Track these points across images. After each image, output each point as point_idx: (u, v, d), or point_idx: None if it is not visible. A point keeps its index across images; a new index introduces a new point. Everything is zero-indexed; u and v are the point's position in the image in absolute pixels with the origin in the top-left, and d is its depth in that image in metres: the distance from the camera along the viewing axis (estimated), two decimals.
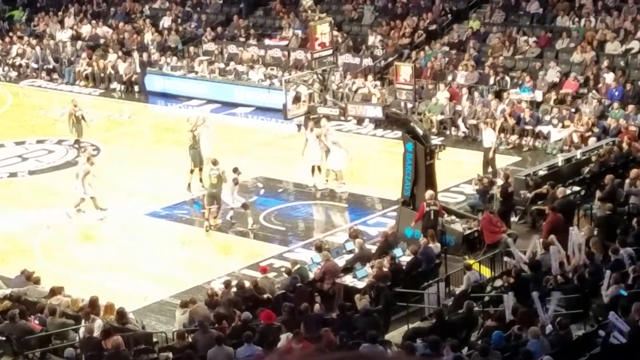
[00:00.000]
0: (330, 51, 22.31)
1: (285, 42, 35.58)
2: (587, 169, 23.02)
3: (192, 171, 25.03)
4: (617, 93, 27.77)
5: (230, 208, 23.12)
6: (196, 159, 25.00)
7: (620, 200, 20.69)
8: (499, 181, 22.72)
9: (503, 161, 26.50)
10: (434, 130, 28.30)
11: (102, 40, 39.13)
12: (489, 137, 25.17)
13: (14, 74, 38.76)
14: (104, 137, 30.51)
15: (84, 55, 37.72)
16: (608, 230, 19.16)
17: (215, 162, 23.22)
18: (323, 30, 22.04)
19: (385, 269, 18.59)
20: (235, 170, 23.14)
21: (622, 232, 18.82)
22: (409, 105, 26.67)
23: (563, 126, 27.04)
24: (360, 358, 3.06)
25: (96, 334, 16.47)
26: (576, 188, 22.23)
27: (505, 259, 18.50)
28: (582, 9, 32.21)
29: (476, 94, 29.53)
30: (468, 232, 20.77)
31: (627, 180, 21.21)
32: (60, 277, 19.54)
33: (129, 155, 28.70)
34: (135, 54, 36.14)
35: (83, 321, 17.14)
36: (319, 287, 18.89)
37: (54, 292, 18.30)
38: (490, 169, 24.72)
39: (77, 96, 35.25)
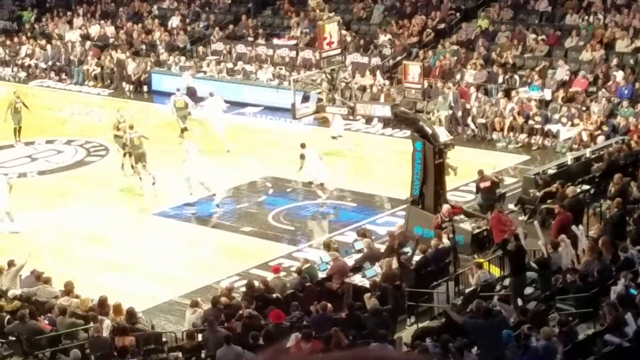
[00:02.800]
0: (339, 50, 22.29)
1: (293, 42, 35.57)
2: (596, 168, 22.96)
3: (124, 154, 26.69)
4: (626, 91, 27.70)
5: (319, 185, 23.97)
6: (121, 145, 27.05)
7: (630, 198, 20.61)
8: (510, 180, 22.66)
9: (512, 160, 26.47)
10: (440, 126, 28.25)
11: (111, 40, 39.20)
12: (441, 132, 25.14)
13: (23, 74, 38.86)
14: (112, 137, 30.54)
15: (91, 54, 37.80)
16: (617, 228, 19.10)
17: (132, 127, 26.35)
18: (331, 30, 22.01)
19: (394, 268, 18.56)
20: (303, 145, 24.19)
21: (633, 231, 18.75)
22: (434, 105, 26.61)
23: (572, 125, 26.97)
24: (359, 357, 3.00)
25: (105, 334, 16.50)
26: (586, 187, 22.17)
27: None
28: (591, 6, 32.12)
29: (482, 93, 29.49)
30: (477, 231, 20.73)
31: (635, 184, 21.03)
32: (69, 277, 19.50)
33: None
34: (113, 53, 36.38)
35: (92, 322, 17.16)
36: (328, 286, 18.86)
37: (67, 288, 18.32)
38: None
39: (87, 96, 35.40)
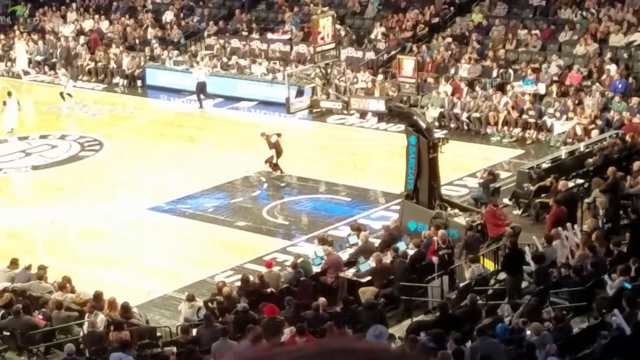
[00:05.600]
0: (333, 45, 22.29)
1: (287, 36, 35.53)
2: (590, 162, 22.99)
3: None
4: (620, 85, 27.73)
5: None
6: None
7: (621, 192, 20.61)
8: (504, 174, 22.64)
9: (506, 154, 26.49)
10: (436, 123, 28.25)
11: (108, 35, 39.10)
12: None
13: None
14: (107, 132, 30.51)
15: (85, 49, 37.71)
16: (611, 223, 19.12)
17: None
18: (325, 24, 22.01)
19: (385, 262, 18.57)
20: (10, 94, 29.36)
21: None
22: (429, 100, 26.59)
23: (566, 119, 27.00)
24: (324, 349, 2.86)
25: (99, 328, 16.49)
26: (579, 181, 22.19)
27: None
28: (584, 1, 32.13)
29: (478, 87, 29.49)
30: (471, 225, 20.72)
31: (630, 179, 21.00)
32: (64, 272, 19.51)
33: (131, 150, 28.71)
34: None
35: (87, 315, 17.16)
36: (323, 280, 18.88)
37: (62, 283, 18.32)
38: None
39: (81, 91, 35.29)
